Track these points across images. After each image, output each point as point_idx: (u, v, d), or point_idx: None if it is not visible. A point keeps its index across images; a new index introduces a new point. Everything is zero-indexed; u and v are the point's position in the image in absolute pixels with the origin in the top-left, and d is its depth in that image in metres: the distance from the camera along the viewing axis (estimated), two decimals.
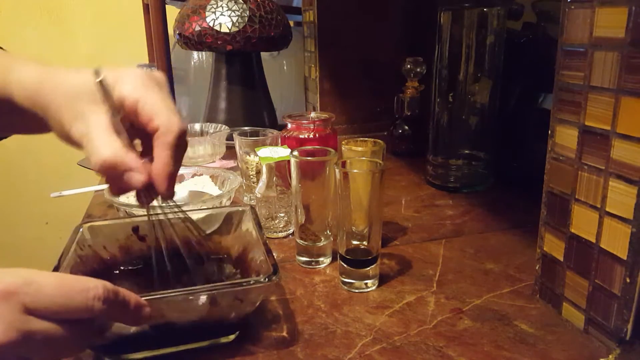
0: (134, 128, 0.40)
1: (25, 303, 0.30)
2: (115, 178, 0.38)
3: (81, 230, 0.47)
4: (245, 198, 0.75)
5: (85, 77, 0.39)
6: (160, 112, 0.39)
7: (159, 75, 0.43)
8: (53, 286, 0.31)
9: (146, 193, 0.41)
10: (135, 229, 0.50)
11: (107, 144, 0.37)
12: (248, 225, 0.50)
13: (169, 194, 0.41)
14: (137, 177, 0.38)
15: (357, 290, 0.51)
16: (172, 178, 0.40)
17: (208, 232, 0.52)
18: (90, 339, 0.34)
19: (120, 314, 0.34)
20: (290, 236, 0.64)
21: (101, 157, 0.37)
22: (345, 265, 0.51)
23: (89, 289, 0.32)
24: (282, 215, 0.64)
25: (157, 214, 0.52)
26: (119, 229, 0.50)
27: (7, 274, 0.30)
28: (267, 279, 0.40)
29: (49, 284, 0.31)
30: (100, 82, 0.38)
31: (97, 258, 0.47)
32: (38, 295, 0.30)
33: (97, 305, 0.32)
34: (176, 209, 0.47)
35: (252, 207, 0.52)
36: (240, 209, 0.52)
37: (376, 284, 0.52)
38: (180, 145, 0.40)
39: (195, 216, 0.52)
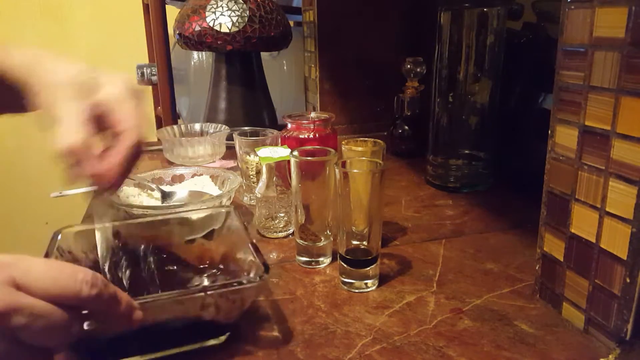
0: (97, 125, 0.45)
1: (15, 278, 0.30)
2: (75, 164, 0.42)
3: (59, 236, 0.46)
4: (245, 198, 0.75)
5: (74, 69, 0.45)
6: (129, 120, 0.44)
7: (139, 90, 0.49)
8: (43, 266, 0.32)
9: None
10: (117, 234, 0.49)
11: (74, 131, 0.41)
12: (233, 226, 0.50)
13: (114, 187, 0.45)
14: (94, 166, 0.42)
15: (357, 290, 0.51)
16: (122, 171, 0.44)
17: (202, 234, 0.51)
18: (79, 330, 0.33)
19: (110, 310, 0.34)
20: (290, 236, 0.64)
21: (66, 142, 0.41)
22: (345, 265, 0.51)
23: (78, 272, 0.32)
24: (282, 215, 0.64)
25: (142, 216, 0.52)
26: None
27: None
28: (259, 278, 0.40)
29: (39, 263, 0.32)
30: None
31: (78, 264, 0.45)
32: (28, 272, 0.31)
33: (85, 289, 0.32)
34: (162, 212, 0.47)
35: (236, 208, 0.52)
36: (223, 210, 0.52)
37: (376, 284, 0.52)
38: (135, 151, 0.45)
39: (185, 220, 0.51)
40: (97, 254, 0.47)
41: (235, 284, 0.40)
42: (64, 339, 0.32)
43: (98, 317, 0.34)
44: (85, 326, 0.34)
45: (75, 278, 0.32)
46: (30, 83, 0.44)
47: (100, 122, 0.44)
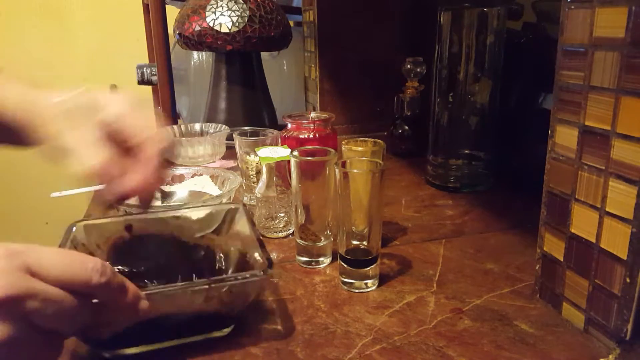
0: (113, 143, 0.44)
1: (29, 264, 0.31)
2: (104, 183, 0.42)
3: (74, 228, 0.47)
4: (245, 198, 0.75)
5: (68, 95, 0.44)
6: (146, 129, 0.44)
7: (144, 102, 0.48)
8: (55, 255, 0.33)
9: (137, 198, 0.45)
10: (129, 227, 0.50)
11: (94, 151, 0.41)
12: (241, 222, 0.50)
13: (147, 202, 0.46)
14: (123, 184, 0.42)
15: (357, 290, 0.51)
16: (153, 187, 0.44)
17: (208, 231, 0.52)
18: (89, 318, 0.34)
19: (118, 299, 0.35)
20: (290, 236, 0.64)
21: (89, 163, 0.41)
22: (345, 265, 0.51)
23: (88, 261, 0.33)
24: (282, 215, 0.64)
25: (152, 212, 0.52)
26: (112, 227, 0.49)
27: (11, 243, 0.32)
28: (262, 273, 0.41)
29: (51, 252, 0.33)
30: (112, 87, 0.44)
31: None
32: (41, 259, 0.32)
33: (95, 277, 0.33)
34: (171, 207, 0.48)
35: (245, 205, 0.52)
36: (233, 207, 0.52)
37: (376, 284, 0.52)
38: (163, 158, 0.44)
39: (195, 215, 0.52)
40: (110, 247, 0.48)
41: (239, 277, 0.41)
42: (74, 324, 0.33)
43: (106, 305, 0.35)
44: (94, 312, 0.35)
45: (86, 266, 0.33)
46: (28, 120, 0.44)
47: (115, 141, 0.44)
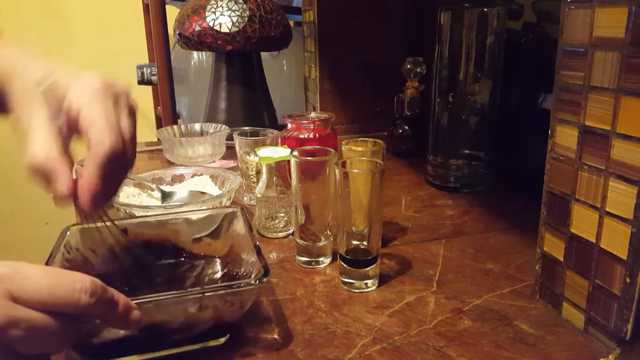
0: (75, 135, 0.40)
1: (11, 290, 0.29)
2: (46, 182, 0.38)
3: (68, 233, 0.46)
4: (245, 198, 0.75)
5: (44, 71, 0.40)
6: (95, 125, 0.38)
7: (120, 87, 0.42)
8: (40, 276, 0.31)
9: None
10: (125, 232, 0.49)
11: (42, 145, 0.37)
12: (238, 226, 0.50)
13: (90, 211, 0.39)
14: (61, 187, 0.37)
15: (357, 290, 0.51)
16: (96, 195, 0.38)
17: (205, 233, 0.52)
18: (77, 336, 0.33)
19: (108, 313, 0.34)
20: (290, 236, 0.64)
21: (33, 157, 0.37)
22: (345, 265, 0.51)
23: (76, 281, 0.31)
24: (282, 215, 0.64)
25: (147, 216, 0.52)
26: (108, 231, 0.48)
27: None
28: (257, 282, 0.40)
29: (36, 273, 0.31)
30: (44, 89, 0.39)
31: (85, 262, 0.46)
32: (24, 283, 0.30)
33: (84, 298, 0.31)
34: (170, 211, 0.47)
35: (243, 208, 0.52)
36: (230, 211, 0.52)
37: (376, 284, 0.52)
38: (112, 164, 0.38)
39: (192, 219, 0.51)
40: (105, 252, 0.47)
41: (234, 286, 0.40)
42: (61, 347, 0.32)
43: (96, 319, 0.34)
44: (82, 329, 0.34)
45: (73, 287, 0.31)
46: (8, 84, 0.41)
47: (74, 130, 0.39)
